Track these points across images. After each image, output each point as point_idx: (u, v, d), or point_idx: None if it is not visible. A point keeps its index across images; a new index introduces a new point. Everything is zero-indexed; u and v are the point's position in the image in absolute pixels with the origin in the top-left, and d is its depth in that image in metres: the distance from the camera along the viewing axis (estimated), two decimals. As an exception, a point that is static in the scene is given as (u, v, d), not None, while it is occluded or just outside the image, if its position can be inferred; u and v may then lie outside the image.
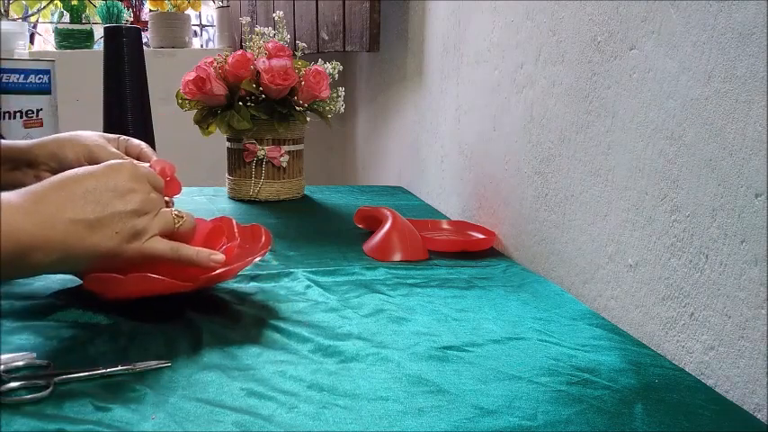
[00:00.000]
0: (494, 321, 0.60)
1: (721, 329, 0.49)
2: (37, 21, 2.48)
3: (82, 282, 0.60)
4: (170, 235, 0.57)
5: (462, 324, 0.59)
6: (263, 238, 0.69)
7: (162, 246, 0.56)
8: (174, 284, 0.56)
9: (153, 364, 0.48)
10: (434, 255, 0.82)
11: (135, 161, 0.60)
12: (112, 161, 0.56)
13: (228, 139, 1.13)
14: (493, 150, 0.91)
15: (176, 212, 0.58)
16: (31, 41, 2.47)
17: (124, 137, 0.73)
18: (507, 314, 0.62)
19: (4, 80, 0.95)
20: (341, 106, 1.14)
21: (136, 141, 0.73)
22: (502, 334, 0.57)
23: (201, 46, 2.56)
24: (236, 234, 0.69)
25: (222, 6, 2.27)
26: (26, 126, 0.98)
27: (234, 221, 0.72)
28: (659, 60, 0.56)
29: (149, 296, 0.58)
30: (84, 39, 2.15)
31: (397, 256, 0.79)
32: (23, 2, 2.35)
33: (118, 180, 0.53)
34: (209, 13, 2.56)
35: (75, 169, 0.54)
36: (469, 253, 0.83)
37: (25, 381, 0.45)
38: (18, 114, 0.97)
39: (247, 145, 1.09)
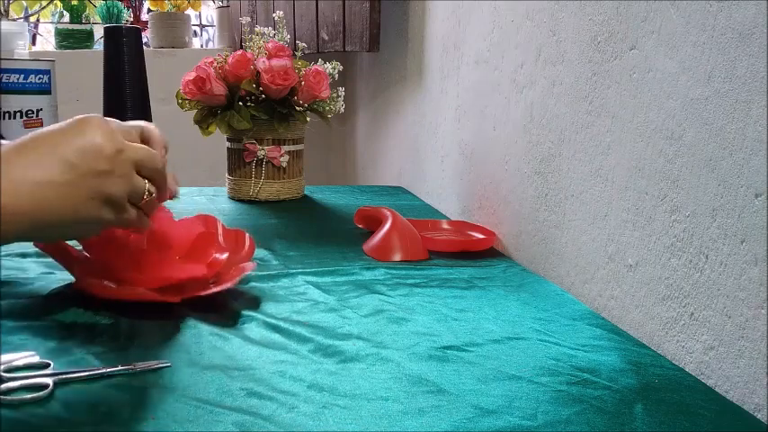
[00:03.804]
0: (494, 321, 0.60)
1: (721, 329, 0.49)
2: (38, 21, 2.48)
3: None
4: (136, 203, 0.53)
5: (462, 324, 0.59)
6: (247, 246, 0.70)
7: (139, 219, 0.53)
8: (161, 299, 0.58)
9: (153, 364, 0.48)
10: (434, 255, 0.82)
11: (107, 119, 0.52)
12: (81, 116, 0.50)
13: (228, 139, 1.13)
14: (493, 150, 0.91)
15: (149, 188, 0.53)
16: (33, 42, 2.47)
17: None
18: (507, 314, 0.62)
19: (4, 80, 0.95)
20: (341, 106, 1.14)
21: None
22: (502, 334, 0.57)
23: (201, 46, 2.56)
24: (222, 241, 0.70)
25: (222, 6, 2.27)
26: (26, 126, 0.98)
27: (219, 223, 0.72)
28: (659, 60, 0.56)
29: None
30: (85, 39, 2.15)
31: (397, 256, 0.79)
32: (23, 2, 2.35)
33: (87, 137, 0.48)
34: (209, 13, 2.56)
35: (43, 128, 0.49)
36: (469, 253, 0.83)
37: (25, 381, 0.45)
38: (18, 114, 0.97)
39: (247, 145, 1.09)
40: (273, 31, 1.11)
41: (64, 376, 0.45)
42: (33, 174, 0.45)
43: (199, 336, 0.54)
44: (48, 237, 0.53)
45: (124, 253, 0.60)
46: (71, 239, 0.54)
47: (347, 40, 1.40)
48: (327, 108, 1.13)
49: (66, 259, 0.63)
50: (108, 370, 0.47)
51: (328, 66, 1.12)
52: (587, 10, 0.67)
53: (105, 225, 0.51)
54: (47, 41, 2.49)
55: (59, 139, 0.47)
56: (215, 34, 2.42)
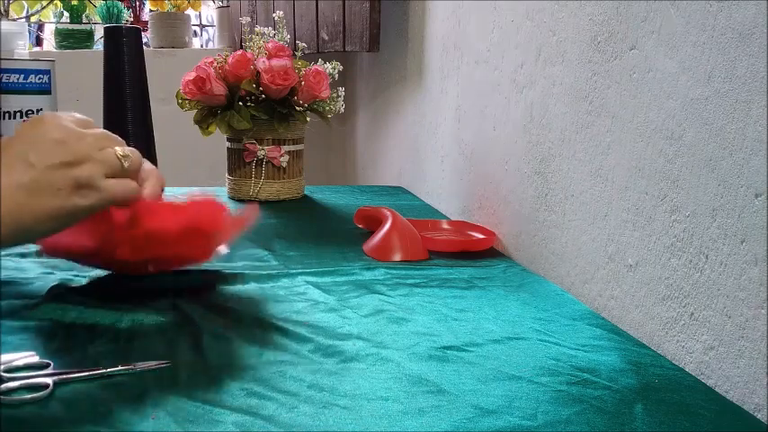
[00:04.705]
0: (494, 321, 0.60)
1: (721, 329, 0.49)
2: (42, 23, 2.47)
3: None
4: (118, 176, 0.53)
5: (462, 324, 0.59)
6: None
7: (120, 188, 0.52)
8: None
9: (153, 364, 0.48)
10: (434, 255, 0.82)
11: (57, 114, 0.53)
12: (35, 116, 0.52)
13: (228, 139, 1.13)
14: (493, 150, 0.91)
15: (121, 152, 0.53)
16: (39, 44, 2.47)
17: None
18: (507, 314, 0.62)
19: (4, 80, 0.95)
20: (341, 106, 1.14)
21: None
22: (502, 334, 0.57)
23: (201, 46, 2.56)
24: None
25: (222, 6, 2.27)
26: (26, 126, 0.98)
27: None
28: (659, 60, 0.56)
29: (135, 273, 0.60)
30: (85, 39, 2.16)
31: (397, 256, 0.79)
32: (24, 2, 2.35)
33: (43, 134, 0.49)
34: (209, 13, 2.56)
35: (9, 135, 0.50)
36: (469, 253, 0.83)
37: (25, 381, 0.45)
38: (18, 114, 0.97)
39: (247, 145, 1.09)
40: (273, 31, 1.11)
41: (64, 376, 0.45)
42: (5, 179, 0.46)
43: (199, 336, 0.54)
44: (33, 236, 0.52)
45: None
46: (59, 232, 0.54)
47: (347, 40, 1.40)
48: (327, 108, 1.13)
49: (76, 255, 0.63)
50: (108, 370, 0.47)
51: (328, 66, 1.12)
52: (587, 10, 0.67)
53: (87, 211, 0.50)
54: (48, 42, 2.50)
55: (18, 143, 0.48)
56: (215, 34, 2.42)
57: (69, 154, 0.49)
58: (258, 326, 0.57)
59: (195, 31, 2.55)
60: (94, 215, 0.53)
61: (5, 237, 0.46)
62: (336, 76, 1.14)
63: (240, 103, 1.05)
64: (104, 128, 1.10)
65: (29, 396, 0.43)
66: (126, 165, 0.53)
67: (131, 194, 0.53)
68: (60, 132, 0.50)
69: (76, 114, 0.54)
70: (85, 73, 1.79)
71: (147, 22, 2.24)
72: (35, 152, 0.48)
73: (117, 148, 0.53)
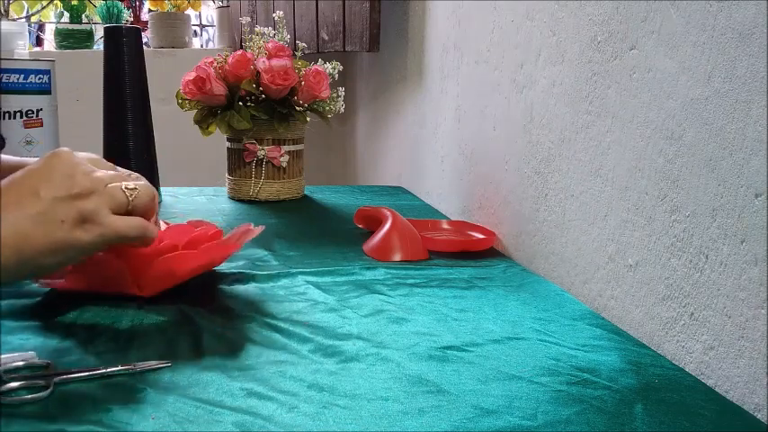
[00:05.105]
0: (494, 321, 0.60)
1: (721, 329, 0.49)
2: (42, 23, 2.47)
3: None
4: (126, 211, 0.53)
5: (462, 324, 0.59)
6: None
7: (123, 223, 0.52)
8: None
9: (153, 364, 0.48)
10: (434, 255, 0.82)
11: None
12: (51, 151, 0.52)
13: (228, 139, 1.13)
14: (493, 150, 0.91)
15: (126, 186, 0.53)
16: (39, 44, 2.47)
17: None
18: (507, 314, 0.62)
19: (4, 80, 0.95)
20: (341, 106, 1.14)
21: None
22: (502, 334, 0.57)
23: (201, 46, 2.56)
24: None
25: (222, 6, 2.27)
26: (26, 126, 0.98)
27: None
28: (659, 60, 0.56)
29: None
30: (85, 39, 2.16)
31: (397, 256, 0.79)
32: (24, 2, 2.35)
33: (54, 168, 0.50)
34: (209, 13, 2.56)
35: (22, 169, 0.51)
36: (469, 253, 0.83)
37: (25, 381, 0.45)
38: (18, 114, 0.97)
39: (247, 145, 1.09)
40: (273, 31, 1.11)
41: (64, 376, 0.45)
42: (11, 211, 0.47)
43: (199, 336, 0.54)
44: (35, 270, 0.51)
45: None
46: (60, 269, 0.54)
47: (347, 40, 1.40)
48: (327, 108, 1.13)
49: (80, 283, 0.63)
50: (108, 370, 0.47)
51: (328, 66, 1.12)
52: (587, 10, 0.67)
53: (89, 246, 0.50)
54: (48, 42, 2.50)
55: (30, 177, 0.49)
56: (215, 34, 2.42)
57: (76, 186, 0.50)
58: (258, 326, 0.57)
59: (195, 31, 2.55)
60: (103, 262, 0.55)
61: (6, 269, 0.46)
62: (336, 76, 1.14)
63: (240, 103, 1.05)
64: (104, 128, 1.10)
65: (29, 396, 0.43)
66: (131, 198, 0.53)
67: (137, 233, 0.53)
68: (70, 166, 0.50)
69: (94, 155, 0.55)
70: (85, 73, 1.79)
71: (146, 22, 2.24)
72: (45, 184, 0.49)
73: (124, 183, 0.53)
